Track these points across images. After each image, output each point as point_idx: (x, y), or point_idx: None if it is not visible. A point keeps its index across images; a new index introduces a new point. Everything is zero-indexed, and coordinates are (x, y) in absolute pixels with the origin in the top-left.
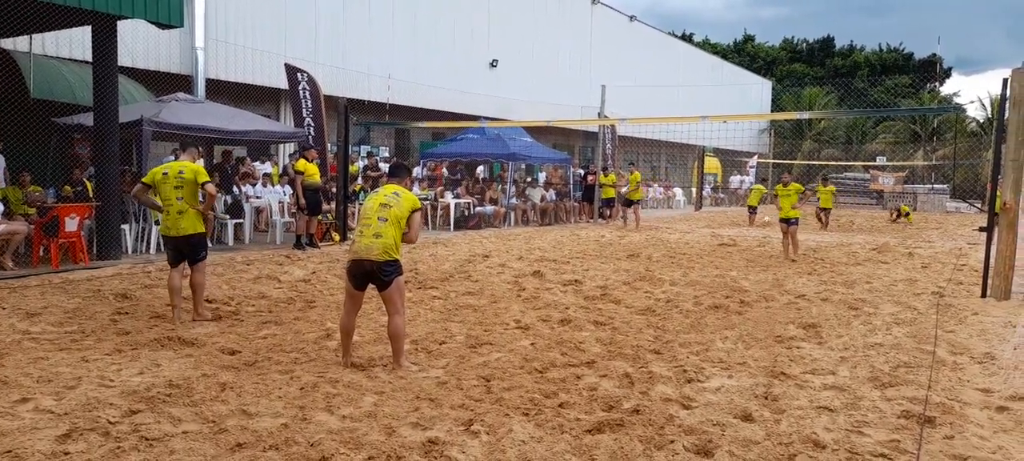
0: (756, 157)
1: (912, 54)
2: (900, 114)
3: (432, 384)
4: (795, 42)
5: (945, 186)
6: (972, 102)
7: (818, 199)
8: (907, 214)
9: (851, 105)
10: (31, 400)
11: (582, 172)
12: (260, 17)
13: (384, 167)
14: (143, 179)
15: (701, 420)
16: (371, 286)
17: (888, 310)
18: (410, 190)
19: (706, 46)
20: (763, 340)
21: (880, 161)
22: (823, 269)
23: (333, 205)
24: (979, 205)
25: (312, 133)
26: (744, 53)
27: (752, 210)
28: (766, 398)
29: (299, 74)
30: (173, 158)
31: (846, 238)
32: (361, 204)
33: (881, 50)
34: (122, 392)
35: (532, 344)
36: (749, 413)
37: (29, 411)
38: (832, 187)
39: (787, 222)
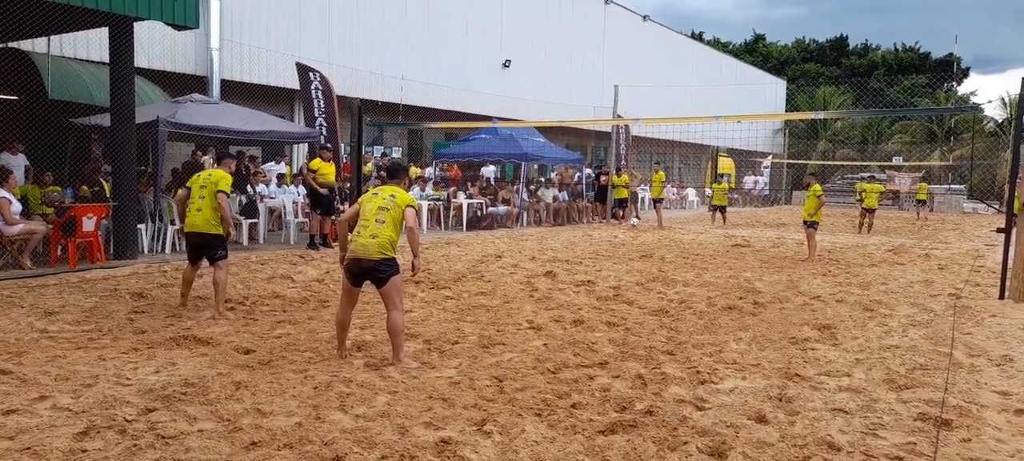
0: (770, 157)
1: (929, 53)
2: (917, 114)
3: (445, 384)
4: (807, 42)
5: (962, 187)
6: (990, 102)
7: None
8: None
9: (867, 105)
10: (49, 398)
11: (592, 172)
12: (274, 18)
13: None
14: (187, 183)
15: (715, 421)
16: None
17: (904, 312)
18: (408, 190)
19: (718, 45)
20: (777, 341)
21: (896, 161)
22: (838, 270)
23: (346, 205)
24: (997, 206)
25: (324, 133)
26: (756, 53)
27: (717, 210)
28: (780, 400)
29: (311, 73)
30: (212, 164)
31: (862, 239)
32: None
33: (897, 49)
34: (138, 390)
35: (545, 344)
36: (763, 415)
37: (47, 409)
38: (879, 186)
39: (804, 224)
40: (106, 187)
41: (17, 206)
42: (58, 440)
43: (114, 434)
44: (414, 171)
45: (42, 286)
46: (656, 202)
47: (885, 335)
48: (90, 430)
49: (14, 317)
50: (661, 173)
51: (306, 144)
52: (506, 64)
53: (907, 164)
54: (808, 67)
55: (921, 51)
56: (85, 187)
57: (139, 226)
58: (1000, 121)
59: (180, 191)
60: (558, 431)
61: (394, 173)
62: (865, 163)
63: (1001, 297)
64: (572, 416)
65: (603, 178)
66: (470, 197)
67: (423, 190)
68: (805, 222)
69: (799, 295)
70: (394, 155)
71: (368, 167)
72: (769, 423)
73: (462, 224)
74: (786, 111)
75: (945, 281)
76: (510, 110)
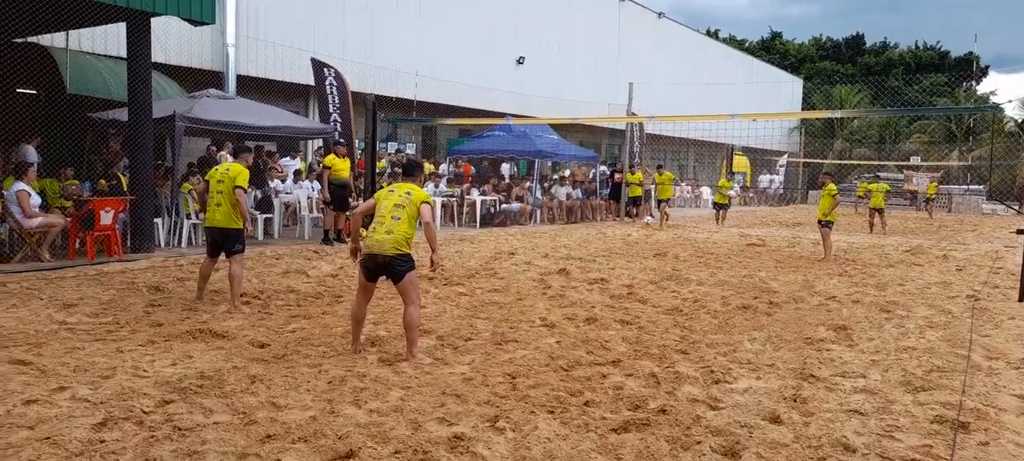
0: (786, 156)
1: (948, 52)
2: (935, 113)
3: (458, 380)
4: (824, 40)
5: (981, 187)
6: (1010, 101)
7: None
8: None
9: (884, 104)
10: (68, 389)
11: (607, 170)
12: (290, 14)
13: None
14: (206, 176)
15: (728, 421)
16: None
17: (921, 313)
18: (423, 187)
19: (733, 43)
20: (792, 342)
21: (914, 161)
22: (854, 271)
23: (360, 201)
24: (1016, 207)
25: (338, 128)
26: (773, 51)
27: (719, 208)
28: (795, 400)
29: (326, 69)
30: (230, 158)
31: (879, 239)
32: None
33: (916, 48)
34: (155, 382)
35: (558, 342)
36: (777, 415)
37: (66, 399)
38: (885, 185)
39: (819, 224)
40: (123, 181)
41: (36, 199)
42: (77, 430)
43: (132, 425)
44: (428, 167)
45: (61, 278)
46: (661, 203)
47: (902, 336)
48: (108, 421)
49: (34, 309)
50: (668, 174)
51: (320, 140)
52: (520, 61)
53: (925, 164)
54: (824, 65)
55: (940, 50)
56: (103, 181)
57: (156, 220)
58: (1020, 121)
59: (196, 181)
60: (571, 429)
61: (410, 171)
62: (882, 162)
63: (1020, 299)
64: (585, 414)
65: (617, 176)
66: (484, 194)
67: (437, 186)
68: (820, 222)
69: (815, 295)
70: (408, 151)
71: (382, 163)
72: (783, 423)
73: (476, 221)
74: (802, 109)
75: (963, 283)
76: (524, 107)
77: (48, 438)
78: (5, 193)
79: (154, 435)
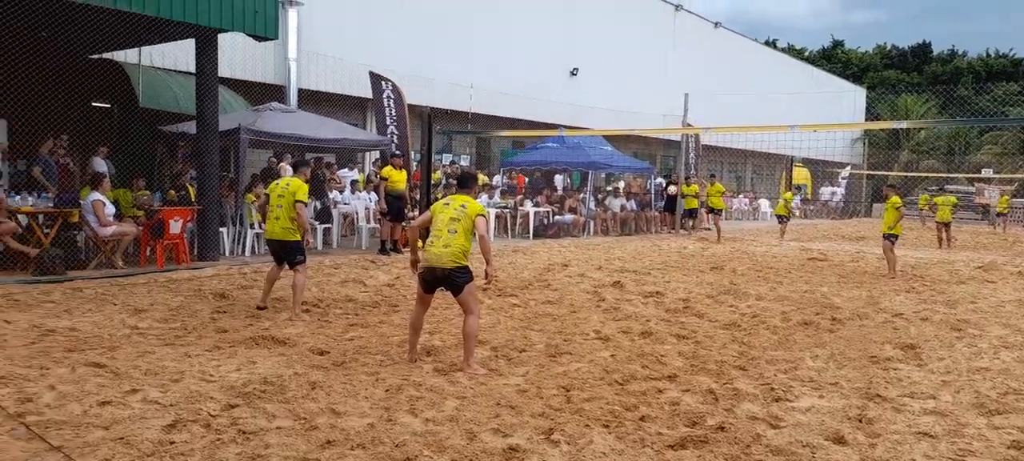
0: (849, 168)
1: (1022, 60)
2: (1008, 124)
3: (512, 391)
4: (888, 48)
5: None
6: None
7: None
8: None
9: (953, 114)
10: (139, 391)
11: (663, 182)
12: (348, 29)
13: None
14: (267, 189)
15: (790, 440)
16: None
17: (995, 332)
18: (477, 199)
19: (793, 52)
20: (856, 360)
21: (986, 173)
22: (922, 287)
23: (416, 212)
24: None
25: (395, 140)
26: (834, 60)
27: (781, 220)
28: (860, 421)
29: (383, 82)
30: (290, 171)
31: (949, 255)
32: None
33: (986, 56)
34: (221, 387)
35: (612, 355)
36: (842, 435)
37: (138, 401)
38: (952, 198)
39: (884, 238)
40: (191, 191)
41: (110, 208)
42: (148, 431)
43: (199, 428)
44: (482, 179)
45: (132, 285)
46: (712, 212)
47: (974, 356)
48: (177, 423)
49: (108, 313)
50: (718, 185)
51: (377, 152)
52: (574, 72)
53: (997, 177)
54: (889, 74)
55: (1013, 57)
56: (172, 191)
57: (221, 229)
58: None
59: (258, 192)
60: (626, 443)
61: (465, 183)
62: (951, 175)
63: None
64: (640, 429)
65: (672, 188)
66: (537, 205)
67: (490, 198)
68: (885, 235)
69: (880, 312)
70: (462, 163)
71: (437, 174)
72: (848, 444)
73: (529, 232)
74: (866, 120)
75: None
76: (578, 118)
77: (122, 438)
78: (82, 203)
79: (220, 438)
